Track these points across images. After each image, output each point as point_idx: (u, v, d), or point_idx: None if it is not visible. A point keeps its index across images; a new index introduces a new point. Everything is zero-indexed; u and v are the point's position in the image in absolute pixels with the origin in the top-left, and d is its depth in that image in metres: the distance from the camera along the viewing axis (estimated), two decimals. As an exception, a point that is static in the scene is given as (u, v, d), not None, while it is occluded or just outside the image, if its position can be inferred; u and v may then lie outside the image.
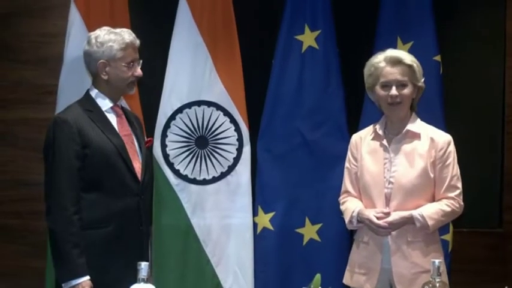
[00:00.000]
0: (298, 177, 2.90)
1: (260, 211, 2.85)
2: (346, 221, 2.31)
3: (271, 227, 2.81)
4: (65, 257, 1.86)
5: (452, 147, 2.19)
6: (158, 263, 2.59)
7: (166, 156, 2.80)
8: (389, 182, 2.20)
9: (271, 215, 2.82)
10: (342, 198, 2.41)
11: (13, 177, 3.16)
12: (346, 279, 2.11)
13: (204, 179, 2.78)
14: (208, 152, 2.80)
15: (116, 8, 2.83)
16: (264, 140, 2.88)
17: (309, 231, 2.77)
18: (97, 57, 2.02)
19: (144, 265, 1.35)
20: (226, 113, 2.82)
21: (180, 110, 2.82)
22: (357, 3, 3.17)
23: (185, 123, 2.82)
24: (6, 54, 3.33)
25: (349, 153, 2.41)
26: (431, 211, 2.08)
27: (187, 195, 2.81)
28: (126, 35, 2.13)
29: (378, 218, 2.11)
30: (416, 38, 2.91)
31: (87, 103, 2.12)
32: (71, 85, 2.76)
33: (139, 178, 2.06)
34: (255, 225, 2.80)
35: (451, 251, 2.69)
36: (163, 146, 2.80)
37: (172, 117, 2.82)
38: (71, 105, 2.14)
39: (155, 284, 1.48)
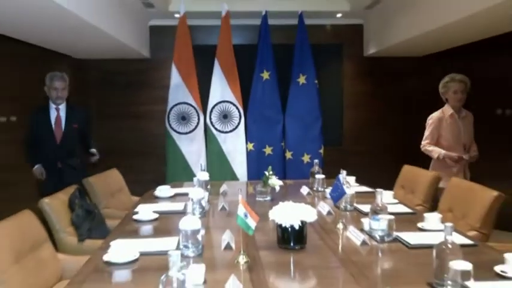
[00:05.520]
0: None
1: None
2: (435, 156, 3.58)
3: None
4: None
5: None
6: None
7: (213, 124, 5.23)
8: (464, 143, 3.53)
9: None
10: (426, 144, 3.64)
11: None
12: None
13: (226, 131, 5.21)
14: (228, 121, 5.24)
15: (189, 62, 5.14)
16: (250, 116, 5.24)
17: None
18: (46, 84, 3.64)
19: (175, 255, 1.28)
20: (233, 104, 5.21)
21: (217, 104, 5.22)
22: (284, 56, 5.34)
23: (219, 110, 5.23)
24: (146, 84, 5.78)
25: (435, 123, 3.63)
26: None
27: (222, 140, 5.19)
28: (52, 80, 3.59)
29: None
30: (307, 72, 5.27)
31: (48, 104, 3.61)
32: (172, 99, 5.19)
33: (58, 141, 3.55)
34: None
35: None
36: (210, 119, 5.22)
37: (214, 107, 5.22)
38: (47, 103, 3.64)
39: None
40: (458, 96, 3.43)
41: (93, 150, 3.78)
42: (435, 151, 3.47)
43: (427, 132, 3.56)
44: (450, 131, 3.49)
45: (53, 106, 3.56)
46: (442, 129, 3.52)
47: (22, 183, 3.88)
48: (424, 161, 3.94)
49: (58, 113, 3.55)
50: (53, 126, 3.52)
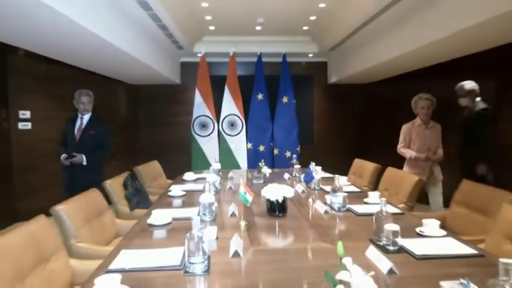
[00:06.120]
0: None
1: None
2: (408, 156, 3.11)
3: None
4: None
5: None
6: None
7: (223, 130, 5.11)
8: (429, 147, 3.07)
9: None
10: (400, 147, 3.19)
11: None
12: None
13: (232, 135, 5.13)
14: (234, 128, 5.15)
15: (207, 87, 5.07)
16: (249, 125, 5.13)
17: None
18: (75, 99, 3.16)
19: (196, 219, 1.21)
20: (238, 116, 5.14)
21: (227, 116, 5.14)
22: (273, 83, 5.24)
23: (228, 120, 5.14)
24: (178, 102, 5.50)
25: (406, 131, 3.18)
26: None
27: (230, 141, 5.04)
28: (80, 96, 3.12)
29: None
30: (288, 95, 5.20)
31: (77, 114, 3.19)
32: (195, 112, 5.02)
33: (76, 141, 3.11)
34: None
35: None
36: (222, 127, 5.10)
37: (225, 118, 5.12)
38: (76, 114, 3.14)
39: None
40: (425, 111, 3.05)
41: (76, 155, 3.14)
42: (408, 152, 3.13)
43: (400, 138, 3.20)
44: (418, 138, 3.12)
45: (79, 116, 3.23)
46: (411, 136, 3.14)
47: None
48: (367, 155, 3.84)
49: (82, 121, 3.21)
50: (76, 130, 3.18)
